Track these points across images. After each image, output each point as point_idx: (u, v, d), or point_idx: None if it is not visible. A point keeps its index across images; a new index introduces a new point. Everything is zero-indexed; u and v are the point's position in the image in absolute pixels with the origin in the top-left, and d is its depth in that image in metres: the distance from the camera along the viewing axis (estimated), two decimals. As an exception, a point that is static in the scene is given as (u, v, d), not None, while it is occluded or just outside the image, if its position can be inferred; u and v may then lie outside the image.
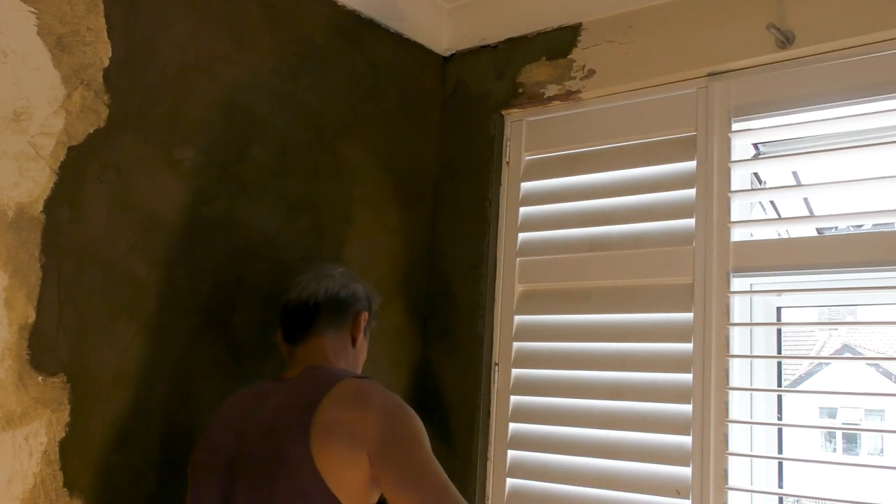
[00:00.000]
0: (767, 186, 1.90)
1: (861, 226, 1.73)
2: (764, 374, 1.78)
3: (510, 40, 2.14)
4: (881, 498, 1.48)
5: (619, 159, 1.93)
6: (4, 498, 1.28)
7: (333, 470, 1.19)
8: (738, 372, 1.70)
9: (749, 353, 1.76)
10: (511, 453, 1.95)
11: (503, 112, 2.13)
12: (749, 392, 1.73)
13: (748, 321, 1.77)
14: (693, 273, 1.75)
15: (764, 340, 1.79)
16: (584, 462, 1.82)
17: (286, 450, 1.21)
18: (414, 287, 2.14)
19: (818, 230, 1.80)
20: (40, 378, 1.34)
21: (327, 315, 1.46)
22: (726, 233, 1.73)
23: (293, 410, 1.26)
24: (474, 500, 1.96)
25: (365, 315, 1.52)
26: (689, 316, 1.74)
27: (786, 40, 1.67)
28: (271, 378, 1.44)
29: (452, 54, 2.26)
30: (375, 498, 1.26)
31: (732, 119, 1.77)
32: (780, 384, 1.85)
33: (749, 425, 1.72)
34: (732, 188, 1.75)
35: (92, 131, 1.43)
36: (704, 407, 1.67)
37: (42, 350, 1.34)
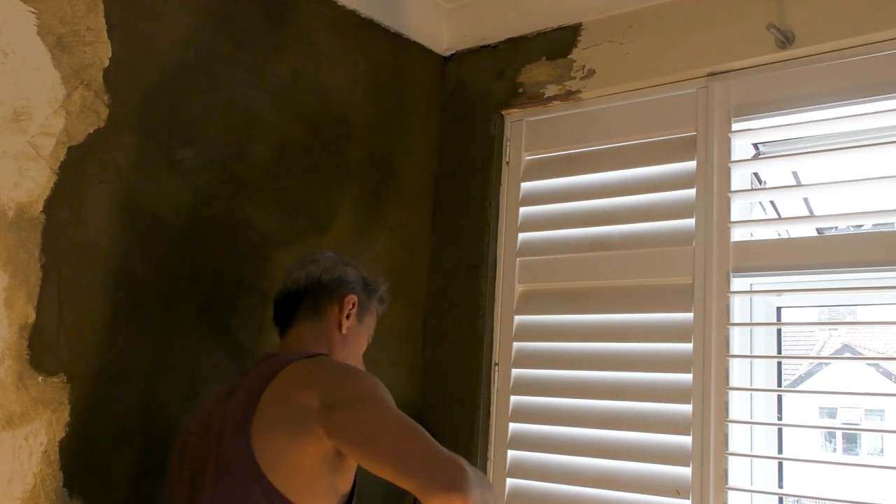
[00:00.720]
0: (767, 186, 1.90)
1: (861, 226, 1.73)
2: (764, 374, 1.78)
3: (510, 40, 2.14)
4: (881, 498, 1.48)
5: (619, 159, 1.93)
6: (4, 498, 1.28)
7: (276, 464, 1.12)
8: (738, 372, 1.70)
9: (749, 353, 1.76)
10: (511, 453, 1.95)
11: (503, 112, 2.13)
12: (749, 392, 1.73)
13: (748, 321, 1.77)
14: (693, 273, 1.75)
15: (764, 340, 1.79)
16: (584, 462, 1.82)
17: (229, 450, 1.16)
18: (414, 287, 2.14)
19: (818, 230, 1.80)
20: (40, 378, 1.34)
21: (309, 302, 1.38)
22: (726, 233, 1.73)
23: (238, 407, 1.19)
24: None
25: (352, 298, 1.40)
26: (689, 316, 1.74)
27: (786, 40, 1.67)
28: (243, 372, 1.36)
29: (452, 54, 2.26)
30: (345, 477, 1.19)
31: (732, 119, 1.77)
32: (780, 384, 1.85)
33: (749, 425, 1.72)
34: (732, 188, 1.75)
35: (92, 131, 1.43)
36: (704, 407, 1.67)
37: (42, 350, 1.34)
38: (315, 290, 1.38)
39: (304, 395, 1.15)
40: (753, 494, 1.68)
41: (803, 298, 1.80)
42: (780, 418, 1.81)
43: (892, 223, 1.62)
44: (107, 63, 1.46)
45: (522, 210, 2.07)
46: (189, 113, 1.61)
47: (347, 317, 1.39)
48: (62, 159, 1.38)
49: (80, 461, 1.38)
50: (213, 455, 1.19)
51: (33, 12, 1.36)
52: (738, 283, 1.73)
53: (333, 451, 1.14)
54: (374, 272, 2.01)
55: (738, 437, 1.67)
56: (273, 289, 1.70)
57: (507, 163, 2.11)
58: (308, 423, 1.12)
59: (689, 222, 1.79)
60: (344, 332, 1.39)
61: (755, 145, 1.84)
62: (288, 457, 1.12)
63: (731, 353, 1.68)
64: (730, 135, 1.76)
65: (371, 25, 2.05)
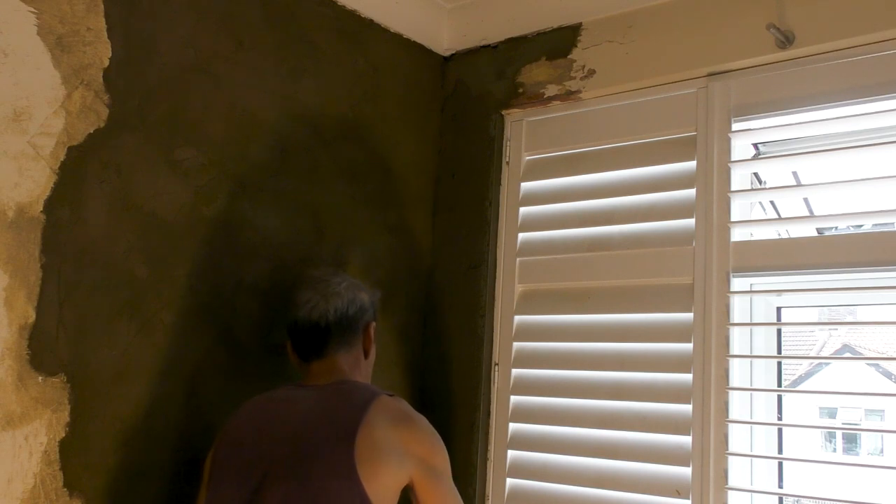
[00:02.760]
0: (767, 186, 1.90)
1: (861, 226, 1.72)
2: (764, 374, 1.78)
3: (510, 40, 2.14)
4: (881, 498, 1.48)
5: (619, 159, 1.93)
6: (4, 498, 1.28)
7: (375, 479, 1.27)
8: (738, 372, 1.70)
9: (749, 353, 1.76)
10: (511, 453, 1.95)
11: (503, 112, 2.13)
12: (749, 392, 1.73)
13: (748, 321, 1.77)
14: (693, 273, 1.75)
15: (764, 340, 1.79)
16: (584, 462, 1.82)
17: (327, 451, 1.27)
18: (414, 287, 2.14)
19: (818, 230, 1.80)
20: (40, 378, 1.34)
21: (339, 335, 1.50)
22: (726, 233, 1.73)
23: (335, 419, 1.32)
24: (474, 500, 1.96)
25: (374, 326, 1.58)
26: (689, 316, 1.74)
27: (786, 40, 1.67)
28: (292, 385, 1.49)
29: (452, 54, 2.26)
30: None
31: (732, 119, 1.77)
32: (780, 384, 1.85)
33: (749, 425, 1.72)
34: (732, 188, 1.75)
35: (92, 131, 1.43)
36: (704, 407, 1.67)
37: (42, 350, 1.34)
38: (345, 325, 1.51)
39: (409, 437, 1.36)
40: (753, 494, 1.68)
41: (803, 298, 1.80)
42: (780, 418, 1.81)
43: (892, 223, 1.62)
44: (107, 63, 1.46)
45: (522, 210, 2.07)
46: (189, 113, 1.61)
47: (370, 342, 1.57)
48: (62, 159, 1.38)
49: (80, 461, 1.38)
50: (294, 456, 1.29)
51: (33, 12, 1.36)
52: (738, 283, 1.73)
53: (408, 483, 1.36)
54: (375, 273, 2.02)
55: (738, 437, 1.67)
56: (273, 289, 1.72)
57: (507, 163, 2.11)
58: (408, 462, 1.33)
59: (689, 222, 1.78)
60: (369, 357, 1.58)
61: (755, 145, 1.84)
62: (387, 477, 1.29)
63: (731, 353, 1.68)
64: (730, 135, 1.76)
65: (371, 25, 2.05)
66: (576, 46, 2.01)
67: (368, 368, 1.59)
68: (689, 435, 1.69)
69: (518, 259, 2.04)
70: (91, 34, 1.44)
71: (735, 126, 1.77)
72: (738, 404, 1.69)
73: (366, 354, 1.56)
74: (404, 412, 1.40)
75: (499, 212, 2.09)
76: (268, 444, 1.33)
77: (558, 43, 2.05)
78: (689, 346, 1.73)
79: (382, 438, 1.31)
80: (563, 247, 1.97)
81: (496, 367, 2.02)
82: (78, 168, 1.41)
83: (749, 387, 1.73)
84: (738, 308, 1.74)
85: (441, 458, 1.40)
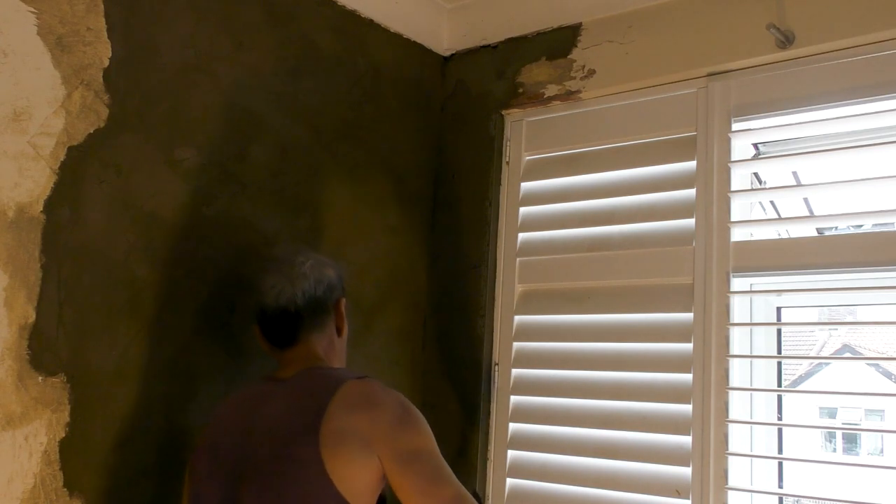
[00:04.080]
0: (767, 186, 1.90)
1: (861, 226, 1.72)
2: (764, 374, 1.78)
3: (510, 40, 2.14)
4: (881, 498, 1.48)
5: (619, 159, 1.93)
6: (4, 498, 1.28)
7: (345, 473, 1.20)
8: (738, 372, 1.70)
9: (749, 353, 1.76)
10: (511, 453, 1.95)
11: (503, 112, 2.13)
12: (749, 392, 1.73)
13: (748, 321, 1.77)
14: (693, 273, 1.75)
15: (764, 340, 1.79)
16: (584, 462, 1.82)
17: (295, 452, 1.22)
18: (414, 287, 2.14)
19: (818, 230, 1.80)
20: (40, 378, 1.34)
21: (310, 319, 1.43)
22: (726, 233, 1.73)
23: (301, 413, 1.26)
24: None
25: (344, 301, 1.50)
26: (689, 316, 1.74)
27: (786, 40, 1.67)
28: (264, 378, 1.42)
29: (452, 54, 2.26)
30: (377, 494, 1.28)
31: (732, 119, 1.77)
32: (780, 384, 1.85)
33: (749, 425, 1.72)
34: (732, 188, 1.75)
35: (92, 131, 1.43)
36: (704, 407, 1.67)
37: (42, 350, 1.34)
38: (314, 307, 1.43)
39: (370, 421, 1.25)
40: (753, 494, 1.68)
41: (803, 298, 1.80)
42: (780, 418, 1.81)
43: (892, 223, 1.62)
44: (107, 63, 1.46)
45: (522, 210, 2.06)
46: (189, 113, 1.61)
47: (342, 319, 1.49)
48: (62, 159, 1.38)
49: (80, 461, 1.38)
50: (265, 456, 1.24)
51: (33, 12, 1.36)
52: (738, 283, 1.72)
53: (383, 472, 1.25)
54: (375, 273, 2.02)
55: (738, 437, 1.67)
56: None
57: (507, 163, 2.11)
58: (373, 449, 1.23)
59: (689, 222, 1.78)
60: (342, 335, 1.50)
61: (755, 145, 1.84)
62: (357, 469, 1.21)
63: (731, 353, 1.68)
64: (730, 135, 1.76)
65: (371, 25, 2.05)
66: (576, 46, 2.01)
67: (343, 346, 1.51)
68: (689, 435, 1.69)
69: (518, 259, 2.04)
70: (91, 34, 1.44)
71: (735, 126, 1.77)
72: (738, 404, 1.69)
73: (339, 332, 1.49)
74: (366, 395, 1.29)
75: (499, 212, 2.09)
76: (241, 446, 1.29)
77: (558, 43, 2.05)
78: (689, 346, 1.73)
79: (345, 428, 1.23)
80: (563, 247, 1.97)
81: (496, 367, 2.02)
82: (78, 168, 1.41)
83: (749, 387, 1.73)
84: (738, 308, 1.74)
85: (415, 437, 1.27)
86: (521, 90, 2.09)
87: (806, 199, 1.93)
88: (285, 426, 1.26)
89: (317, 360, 1.41)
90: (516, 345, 2.00)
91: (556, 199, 2.01)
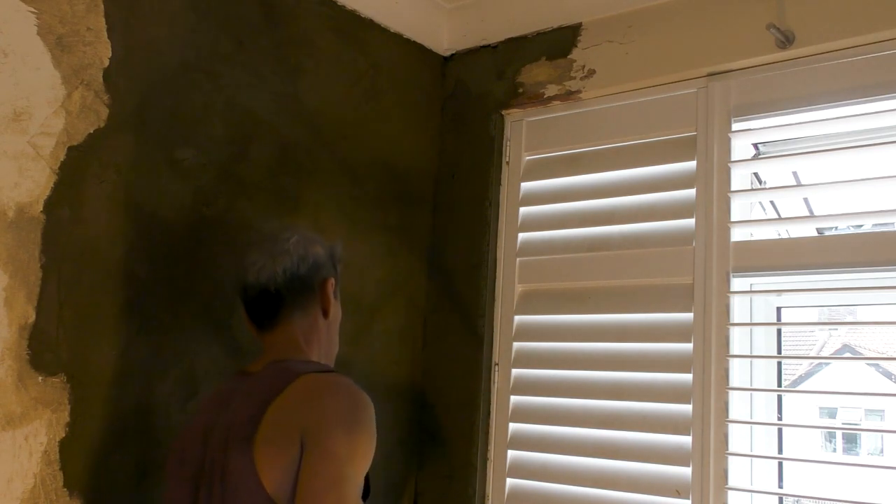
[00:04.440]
0: (767, 186, 1.90)
1: (861, 226, 1.72)
2: (764, 374, 1.78)
3: (510, 40, 2.14)
4: (881, 498, 1.48)
5: (619, 159, 1.93)
6: (4, 498, 1.28)
7: (277, 479, 1.11)
8: (738, 372, 1.70)
9: (749, 353, 1.76)
10: (511, 453, 1.95)
11: (503, 112, 2.13)
12: (749, 392, 1.73)
13: (748, 321, 1.77)
14: (693, 273, 1.75)
15: (764, 340, 1.79)
16: (584, 462, 1.82)
17: (233, 458, 1.15)
18: (414, 287, 2.14)
19: (818, 230, 1.80)
20: (40, 378, 1.34)
21: (291, 298, 1.32)
22: (726, 233, 1.73)
23: (244, 415, 1.18)
24: (474, 500, 1.96)
25: (331, 281, 1.38)
26: (689, 316, 1.74)
27: (786, 40, 1.67)
28: (237, 372, 1.36)
29: (452, 54, 2.26)
30: None
31: (732, 119, 1.77)
32: (780, 384, 1.85)
33: (749, 425, 1.72)
34: (732, 188, 1.75)
35: (92, 131, 1.43)
36: (704, 407, 1.67)
37: (42, 350, 1.34)
38: (297, 286, 1.33)
39: (301, 416, 1.14)
40: (753, 494, 1.68)
41: (803, 298, 1.80)
42: (780, 418, 1.81)
43: (892, 223, 1.62)
44: (107, 63, 1.46)
45: (522, 210, 2.06)
46: (189, 113, 1.61)
47: (328, 300, 1.38)
48: (62, 159, 1.38)
49: (80, 461, 1.38)
50: (219, 462, 1.18)
51: (33, 12, 1.36)
52: (738, 283, 1.72)
53: None
54: (375, 273, 2.02)
55: (738, 437, 1.67)
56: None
57: (507, 163, 2.11)
58: (294, 439, 1.12)
59: (689, 222, 1.78)
60: (329, 317, 1.38)
61: (755, 145, 1.84)
62: (286, 472, 1.12)
63: (731, 353, 1.68)
64: (730, 135, 1.76)
65: (371, 25, 2.05)
66: (576, 46, 2.01)
67: (332, 330, 1.40)
68: (689, 435, 1.69)
69: (518, 259, 2.04)
70: (91, 34, 1.44)
71: (735, 126, 1.77)
72: (738, 404, 1.69)
73: (325, 314, 1.37)
74: (315, 388, 1.19)
75: (499, 212, 2.09)
76: (202, 450, 1.22)
77: (558, 43, 2.05)
78: (689, 346, 1.73)
79: (282, 422, 1.14)
80: (563, 247, 1.97)
81: (496, 367, 2.02)
82: (78, 168, 1.41)
83: (749, 387, 1.73)
84: (738, 308, 1.74)
85: (341, 442, 1.13)
86: (521, 90, 2.09)
87: (806, 199, 1.93)
88: (234, 429, 1.18)
89: (291, 349, 1.32)
90: (516, 345, 2.00)
91: (556, 199, 2.01)
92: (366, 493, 1.22)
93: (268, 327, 1.34)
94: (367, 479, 1.22)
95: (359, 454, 1.15)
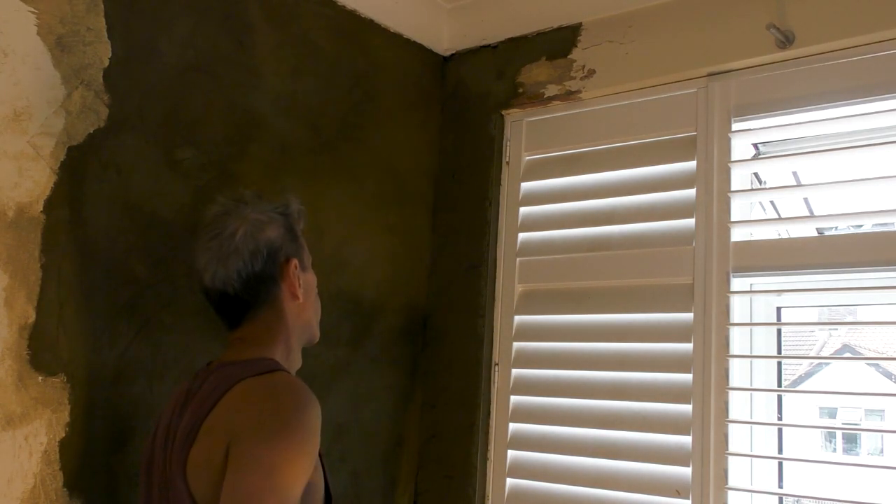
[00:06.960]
0: (767, 186, 1.90)
1: (861, 226, 1.72)
2: (764, 374, 1.78)
3: (510, 40, 2.14)
4: (881, 498, 1.48)
5: (619, 159, 1.93)
6: (4, 498, 1.28)
7: (208, 493, 1.06)
8: (738, 372, 1.70)
9: (749, 353, 1.76)
10: (511, 453, 1.95)
11: (503, 112, 2.13)
12: (749, 392, 1.73)
13: (748, 321, 1.77)
14: (693, 273, 1.75)
15: (764, 340, 1.79)
16: (584, 462, 1.82)
17: (172, 474, 1.12)
18: (414, 287, 2.14)
19: (818, 230, 1.80)
20: (40, 378, 1.34)
21: (252, 297, 1.25)
22: (726, 233, 1.73)
23: (187, 423, 1.13)
24: (474, 500, 1.96)
25: (294, 263, 1.28)
26: (689, 316, 1.74)
27: (786, 40, 1.67)
28: (198, 371, 1.28)
29: (452, 54, 2.26)
30: (308, 495, 1.12)
31: (732, 119, 1.77)
32: (780, 384, 1.85)
33: (749, 425, 1.72)
34: (732, 188, 1.75)
35: (92, 131, 1.43)
36: (704, 407, 1.67)
37: (42, 350, 1.34)
38: (255, 283, 1.24)
39: (234, 417, 1.09)
40: (753, 494, 1.68)
41: (803, 298, 1.80)
42: (780, 418, 1.81)
43: (892, 223, 1.62)
44: (107, 63, 1.46)
45: (522, 210, 2.06)
46: (189, 113, 1.61)
47: (295, 283, 1.29)
48: (62, 159, 1.38)
49: (80, 461, 1.38)
50: (167, 473, 1.15)
51: (33, 12, 1.36)
52: (738, 283, 1.72)
53: None
54: (375, 273, 2.02)
55: (738, 437, 1.67)
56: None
57: (507, 163, 2.11)
58: (221, 442, 1.08)
59: (689, 222, 1.78)
60: (300, 298, 1.29)
61: (755, 145, 1.84)
62: (215, 485, 1.06)
63: (731, 353, 1.68)
64: (730, 135, 1.76)
65: (371, 25, 2.05)
66: (576, 46, 2.01)
67: (306, 304, 1.31)
68: (689, 435, 1.69)
69: (518, 259, 2.04)
70: (91, 34, 1.44)
71: (735, 126, 1.77)
72: (738, 404, 1.69)
73: (294, 297, 1.28)
74: (250, 393, 1.11)
75: (499, 212, 2.09)
76: (161, 455, 1.18)
77: (558, 43, 2.05)
78: (689, 346, 1.73)
79: (214, 431, 1.08)
80: (563, 247, 1.97)
81: (496, 367, 2.02)
82: (78, 168, 1.41)
83: (749, 387, 1.73)
84: (738, 308, 1.74)
85: (269, 449, 1.04)
86: (521, 90, 2.09)
87: (806, 199, 1.93)
88: (177, 440, 1.14)
89: (249, 347, 1.24)
90: (516, 345, 2.00)
91: (556, 199, 2.01)
92: (327, 500, 1.19)
93: (236, 325, 1.28)
94: (326, 484, 1.18)
95: (289, 461, 1.05)
